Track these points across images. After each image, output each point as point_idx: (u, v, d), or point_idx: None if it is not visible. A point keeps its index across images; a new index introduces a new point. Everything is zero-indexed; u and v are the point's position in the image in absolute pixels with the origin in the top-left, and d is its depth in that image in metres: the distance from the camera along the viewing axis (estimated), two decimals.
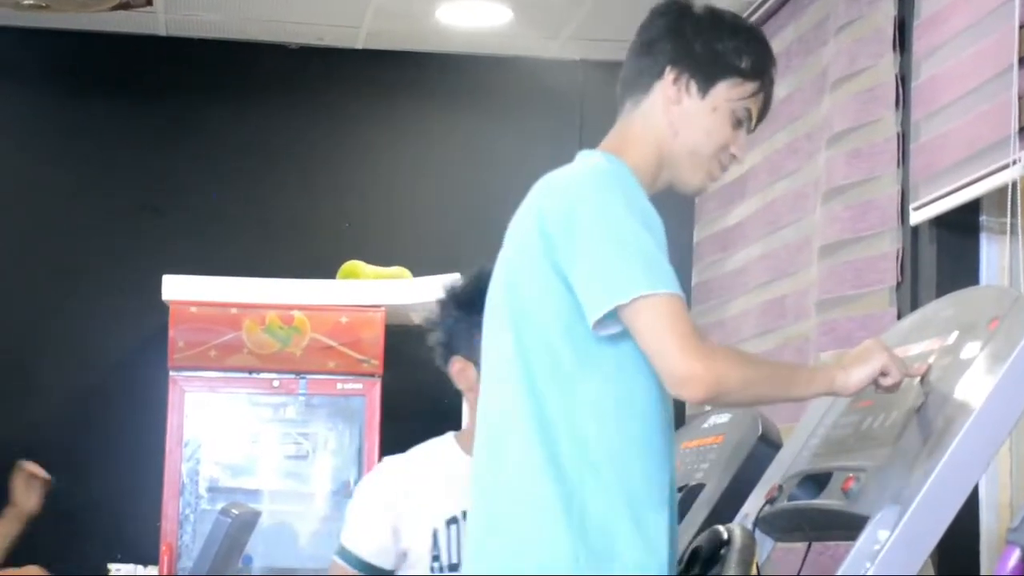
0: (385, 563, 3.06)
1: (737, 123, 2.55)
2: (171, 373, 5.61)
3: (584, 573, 2.29)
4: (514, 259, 2.47)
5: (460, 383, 3.10)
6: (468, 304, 3.08)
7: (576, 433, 2.34)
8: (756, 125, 2.59)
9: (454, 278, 3.20)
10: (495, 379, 2.45)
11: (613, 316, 2.31)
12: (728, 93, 2.54)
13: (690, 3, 2.59)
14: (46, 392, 6.08)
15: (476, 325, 3.03)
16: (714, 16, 2.58)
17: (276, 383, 5.65)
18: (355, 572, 3.09)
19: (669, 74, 2.52)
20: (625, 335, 2.33)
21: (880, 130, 4.49)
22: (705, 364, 2.27)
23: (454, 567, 3.01)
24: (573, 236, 2.34)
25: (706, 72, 2.53)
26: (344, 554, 3.11)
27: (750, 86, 2.55)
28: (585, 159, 2.52)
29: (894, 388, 2.46)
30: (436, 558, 3.02)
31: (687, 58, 2.53)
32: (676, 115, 2.53)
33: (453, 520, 3.03)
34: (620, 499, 2.33)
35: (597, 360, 2.35)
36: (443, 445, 3.13)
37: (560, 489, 2.32)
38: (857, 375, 2.41)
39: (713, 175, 2.57)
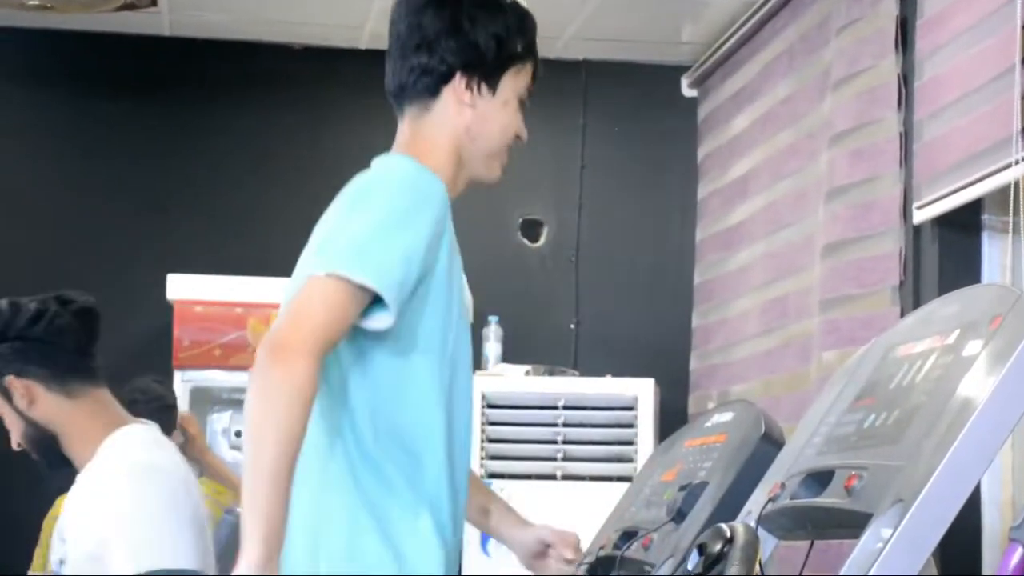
0: None
1: (520, 106, 2.49)
2: (176, 372, 5.61)
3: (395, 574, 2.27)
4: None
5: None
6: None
7: (358, 435, 2.28)
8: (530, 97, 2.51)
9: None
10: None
11: (379, 310, 2.23)
12: (515, 83, 2.47)
13: None
14: None
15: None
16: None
17: None
18: None
19: (460, 79, 2.42)
20: (390, 334, 2.26)
21: (882, 130, 4.50)
22: (288, 358, 2.13)
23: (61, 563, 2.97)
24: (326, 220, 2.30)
25: (493, 67, 2.43)
26: None
27: (529, 66, 2.49)
28: (389, 162, 2.46)
29: None
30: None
31: (474, 57, 2.42)
32: (471, 118, 2.44)
33: None
34: (416, 503, 2.28)
35: (369, 359, 2.28)
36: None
37: (359, 496, 2.27)
38: None
39: (504, 164, 2.51)
